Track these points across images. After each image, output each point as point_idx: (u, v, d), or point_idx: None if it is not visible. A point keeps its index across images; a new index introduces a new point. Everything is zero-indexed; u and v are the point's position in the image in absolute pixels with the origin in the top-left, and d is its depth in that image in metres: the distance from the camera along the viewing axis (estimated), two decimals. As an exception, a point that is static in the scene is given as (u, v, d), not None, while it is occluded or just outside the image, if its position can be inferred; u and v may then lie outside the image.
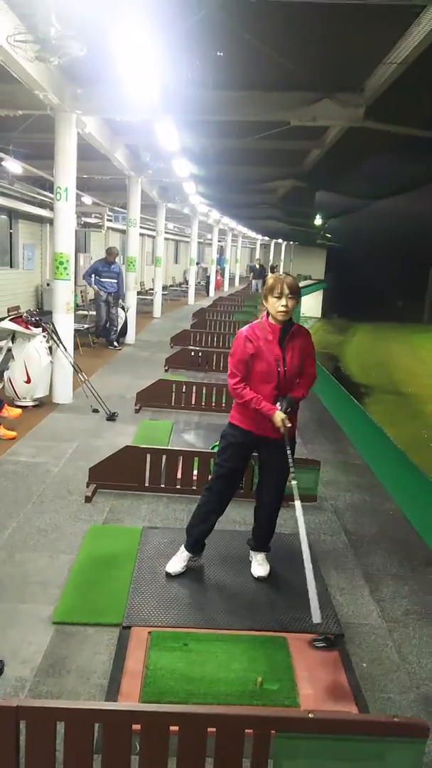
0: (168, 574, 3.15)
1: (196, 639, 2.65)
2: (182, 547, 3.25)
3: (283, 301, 2.85)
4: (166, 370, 8.59)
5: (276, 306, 2.87)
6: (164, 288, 17.83)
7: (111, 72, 5.03)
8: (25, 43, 3.87)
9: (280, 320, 2.92)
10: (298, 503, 2.94)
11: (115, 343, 10.42)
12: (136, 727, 1.76)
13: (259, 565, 3.29)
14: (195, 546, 3.23)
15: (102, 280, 10.05)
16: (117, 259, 10.39)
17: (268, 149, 7.83)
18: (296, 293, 2.87)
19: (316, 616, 2.56)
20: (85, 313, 11.25)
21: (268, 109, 5.48)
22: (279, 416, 2.89)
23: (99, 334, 10.30)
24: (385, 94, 4.95)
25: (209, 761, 1.82)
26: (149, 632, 2.66)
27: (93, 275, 10.16)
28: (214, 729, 1.79)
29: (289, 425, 2.95)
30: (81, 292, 12.81)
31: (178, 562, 3.21)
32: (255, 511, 3.40)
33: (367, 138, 6.42)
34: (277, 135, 6.52)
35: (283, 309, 2.85)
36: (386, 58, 4.23)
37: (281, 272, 3.07)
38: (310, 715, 1.83)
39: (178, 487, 4.27)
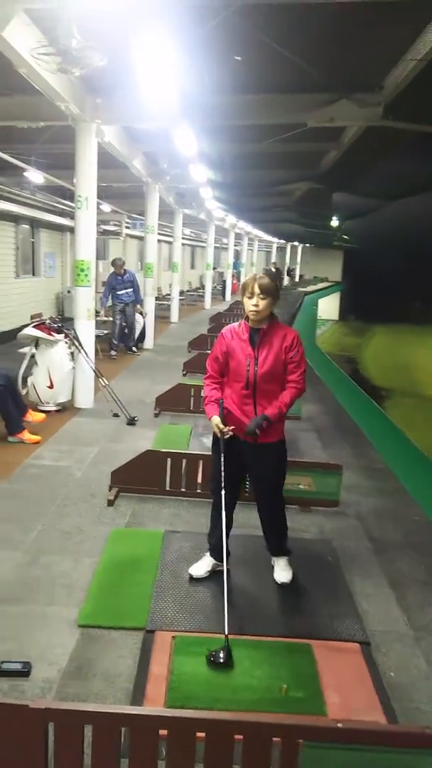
0: (190, 576, 3.15)
1: (220, 645, 2.63)
2: (207, 552, 3.25)
3: (254, 301, 2.84)
4: (185, 375, 8.61)
5: (248, 305, 2.87)
6: (181, 293, 17.91)
7: (130, 81, 5.10)
8: (47, 56, 3.93)
9: (252, 319, 2.91)
10: None
11: (134, 348, 10.48)
12: (163, 732, 1.76)
13: (282, 571, 3.24)
14: (214, 552, 3.21)
15: (118, 293, 10.11)
16: (129, 267, 10.46)
17: (284, 152, 7.83)
18: (269, 293, 2.84)
19: None
20: (104, 318, 11.35)
21: (286, 111, 5.48)
22: (214, 421, 2.93)
23: (113, 344, 10.19)
24: (403, 92, 4.91)
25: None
26: (173, 637, 2.65)
27: (110, 294, 10.20)
28: (241, 736, 1.78)
29: (229, 432, 2.91)
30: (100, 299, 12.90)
31: (202, 566, 3.21)
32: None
33: (385, 137, 6.38)
34: (294, 137, 6.51)
35: (253, 308, 2.84)
36: (405, 55, 4.19)
37: (256, 273, 2.97)
38: (339, 725, 1.81)
39: (198, 491, 4.27)
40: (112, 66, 4.08)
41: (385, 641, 2.82)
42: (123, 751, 1.77)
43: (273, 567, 3.30)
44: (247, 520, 4.00)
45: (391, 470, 5.32)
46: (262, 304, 2.84)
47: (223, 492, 3.03)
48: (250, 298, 2.87)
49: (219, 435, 2.93)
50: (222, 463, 3.02)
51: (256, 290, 2.84)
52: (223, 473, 3.02)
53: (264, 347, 2.89)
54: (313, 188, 9.96)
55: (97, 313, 10.43)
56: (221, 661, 2.48)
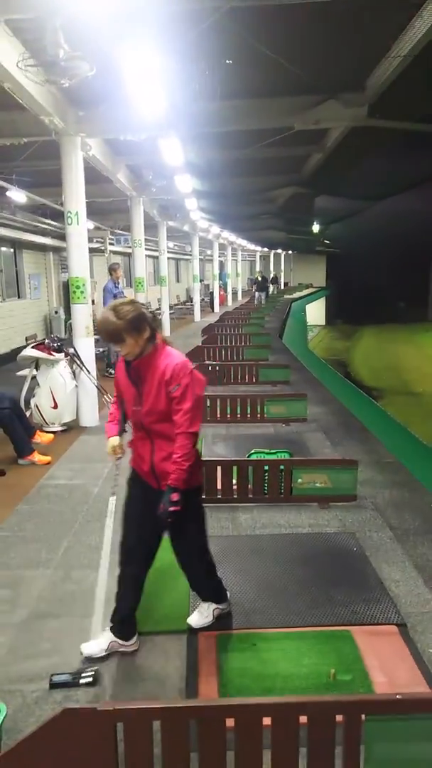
0: (86, 656, 2.52)
1: (264, 639, 2.65)
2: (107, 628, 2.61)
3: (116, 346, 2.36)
4: (185, 385, 8.61)
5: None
6: (170, 307, 17.96)
7: (114, 92, 5.16)
8: (34, 67, 3.96)
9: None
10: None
11: (112, 371, 9.47)
12: (230, 722, 1.76)
13: (197, 613, 2.73)
14: (121, 626, 2.57)
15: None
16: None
17: (269, 158, 7.95)
18: (115, 337, 2.27)
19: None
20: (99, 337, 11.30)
21: (273, 115, 5.58)
22: (109, 444, 2.57)
23: (110, 363, 9.72)
24: (388, 90, 5.04)
25: (302, 752, 1.81)
26: (216, 635, 2.65)
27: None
28: (305, 718, 1.78)
29: (120, 456, 2.58)
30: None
31: (101, 642, 2.56)
32: None
33: (369, 138, 6.52)
34: (279, 142, 6.63)
35: (117, 349, 2.36)
36: (389, 53, 4.30)
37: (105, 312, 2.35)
38: (398, 697, 1.83)
39: (219, 496, 4.27)
40: (97, 76, 4.13)
41: (420, 621, 2.86)
42: (192, 746, 1.77)
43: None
44: (270, 519, 4.04)
45: (401, 463, 5.37)
46: (124, 348, 2.31)
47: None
48: None
49: (110, 455, 2.59)
50: (128, 500, 2.57)
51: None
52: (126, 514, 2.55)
53: (145, 383, 2.36)
54: (297, 193, 10.11)
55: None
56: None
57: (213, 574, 2.76)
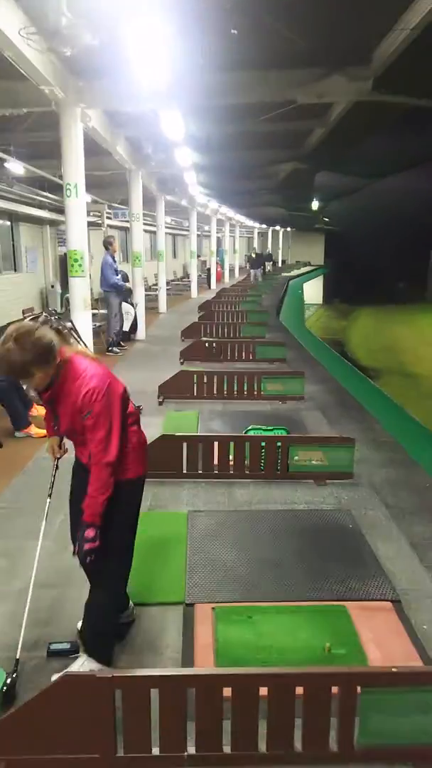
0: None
1: (260, 612, 2.69)
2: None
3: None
4: (182, 363, 8.59)
5: None
6: (167, 283, 17.81)
7: (115, 62, 5.02)
8: (36, 35, 3.86)
9: None
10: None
11: (115, 349, 9.54)
12: (226, 692, 1.80)
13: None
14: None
15: (117, 276, 9.58)
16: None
17: (270, 132, 7.82)
18: (14, 373, 2.05)
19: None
20: (95, 311, 11.23)
21: (276, 88, 5.46)
22: (48, 444, 2.48)
23: (113, 339, 9.63)
24: (393, 64, 4.93)
25: (297, 723, 1.86)
26: (213, 608, 2.69)
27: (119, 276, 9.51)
28: (302, 689, 1.82)
29: (59, 456, 2.48)
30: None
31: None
32: None
33: (373, 113, 6.42)
34: (281, 116, 6.50)
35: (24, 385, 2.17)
36: (396, 25, 4.19)
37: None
38: (394, 670, 1.87)
39: (215, 472, 4.30)
40: (99, 46, 4.03)
41: (415, 598, 2.90)
42: (189, 715, 1.80)
43: None
44: (267, 495, 4.07)
45: (397, 442, 5.40)
46: (32, 382, 2.08)
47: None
48: None
49: (50, 455, 2.48)
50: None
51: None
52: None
53: (59, 406, 2.17)
54: (298, 169, 9.97)
55: (130, 292, 10.01)
56: None
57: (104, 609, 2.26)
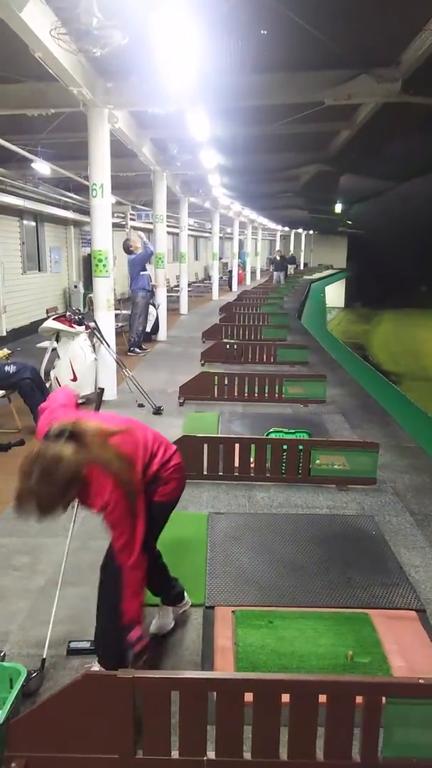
0: (158, 636, 2.54)
1: (281, 617, 2.65)
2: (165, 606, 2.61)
3: None
4: (203, 364, 8.59)
5: None
6: (188, 285, 17.86)
7: (143, 63, 5.04)
8: (66, 36, 3.88)
9: None
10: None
11: (137, 350, 9.51)
12: (248, 697, 1.77)
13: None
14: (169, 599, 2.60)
15: (142, 274, 9.55)
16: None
17: (295, 134, 7.76)
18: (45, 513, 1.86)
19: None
20: (117, 312, 11.30)
21: (304, 89, 5.42)
22: None
23: (138, 341, 9.63)
24: (423, 65, 4.85)
25: (319, 732, 1.81)
26: (233, 611, 2.66)
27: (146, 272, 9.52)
28: (325, 697, 1.78)
29: None
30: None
31: (168, 619, 2.60)
32: None
33: (400, 115, 6.32)
34: (307, 118, 6.45)
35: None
36: (427, 25, 4.12)
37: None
38: (421, 681, 1.81)
39: (236, 474, 4.27)
40: (127, 47, 4.03)
41: (440, 608, 2.83)
42: (209, 718, 1.78)
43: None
44: (287, 499, 4.03)
45: (422, 448, 5.31)
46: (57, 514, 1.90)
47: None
48: None
49: None
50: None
51: None
52: None
53: (84, 502, 2.07)
54: (322, 171, 9.89)
55: (152, 292, 10.04)
56: None
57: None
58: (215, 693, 1.71)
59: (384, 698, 1.78)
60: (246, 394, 6.59)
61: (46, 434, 1.90)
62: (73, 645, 2.38)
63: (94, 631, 2.30)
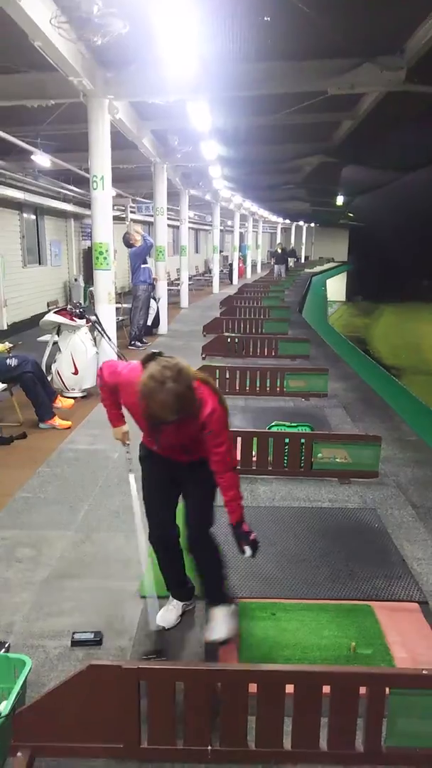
0: (162, 627, 2.52)
1: (283, 609, 2.65)
2: (172, 599, 2.66)
3: None
4: (204, 358, 8.57)
5: None
6: (189, 278, 17.80)
7: (144, 53, 4.99)
8: (67, 24, 3.84)
9: None
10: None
11: (138, 344, 9.46)
12: (252, 687, 1.77)
13: (218, 624, 2.39)
14: (180, 594, 2.65)
15: (143, 267, 9.48)
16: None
17: (297, 124, 7.70)
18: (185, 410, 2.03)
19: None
20: (118, 305, 11.27)
21: (306, 79, 5.36)
22: (120, 431, 2.58)
23: (138, 334, 9.61)
24: (427, 54, 4.80)
25: (322, 722, 1.82)
26: (236, 603, 2.65)
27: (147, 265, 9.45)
28: (328, 688, 1.79)
29: (129, 443, 2.59)
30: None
31: (173, 614, 2.60)
32: None
33: (404, 104, 6.27)
34: (310, 107, 6.39)
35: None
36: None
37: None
38: (424, 672, 1.81)
39: (238, 468, 4.24)
40: (127, 36, 3.99)
41: (443, 601, 2.83)
42: (213, 708, 1.78)
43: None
44: (290, 493, 4.03)
45: (424, 441, 5.30)
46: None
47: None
48: None
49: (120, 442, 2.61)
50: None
51: None
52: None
53: (174, 425, 2.17)
54: (324, 162, 9.83)
55: (153, 285, 10.01)
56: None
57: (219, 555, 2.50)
58: (219, 684, 1.71)
59: (387, 689, 1.78)
60: (247, 388, 6.58)
61: (149, 358, 2.07)
62: (77, 636, 2.38)
63: (204, 593, 2.51)
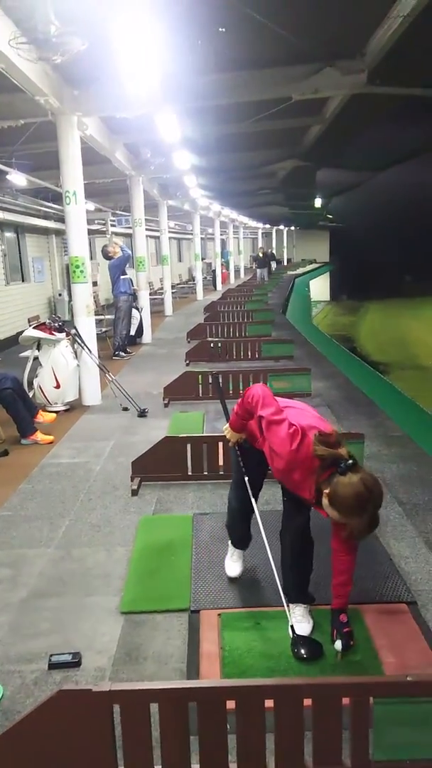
0: (230, 578, 2.88)
1: (267, 617, 2.61)
2: (234, 549, 2.96)
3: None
4: (187, 364, 8.55)
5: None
6: (172, 286, 17.80)
7: (108, 68, 4.99)
8: (26, 45, 3.84)
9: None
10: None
11: (122, 354, 9.53)
12: (230, 704, 1.72)
13: (300, 622, 2.51)
14: (241, 544, 2.95)
15: (123, 278, 9.56)
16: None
17: (267, 131, 7.74)
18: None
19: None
20: (101, 317, 11.25)
21: (270, 86, 5.39)
22: (234, 436, 2.74)
23: (122, 345, 9.68)
24: (388, 55, 4.84)
25: (307, 736, 1.77)
26: (219, 614, 2.62)
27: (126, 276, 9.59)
28: (310, 700, 1.74)
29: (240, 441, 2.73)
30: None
31: (237, 565, 2.93)
32: None
33: (369, 105, 6.32)
34: (277, 114, 6.43)
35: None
36: (390, 12, 4.09)
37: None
38: (408, 678, 1.77)
39: (221, 473, 4.23)
40: (90, 53, 3.99)
41: (431, 599, 2.79)
42: (191, 730, 1.73)
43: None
44: (274, 495, 3.98)
45: (409, 437, 5.29)
46: None
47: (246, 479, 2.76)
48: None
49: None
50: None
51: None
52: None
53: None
54: (298, 166, 9.89)
55: (134, 296, 10.05)
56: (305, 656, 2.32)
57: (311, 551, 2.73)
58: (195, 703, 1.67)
59: (371, 698, 1.74)
60: (231, 391, 6.55)
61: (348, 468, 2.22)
62: (54, 659, 2.32)
63: (294, 588, 2.60)
